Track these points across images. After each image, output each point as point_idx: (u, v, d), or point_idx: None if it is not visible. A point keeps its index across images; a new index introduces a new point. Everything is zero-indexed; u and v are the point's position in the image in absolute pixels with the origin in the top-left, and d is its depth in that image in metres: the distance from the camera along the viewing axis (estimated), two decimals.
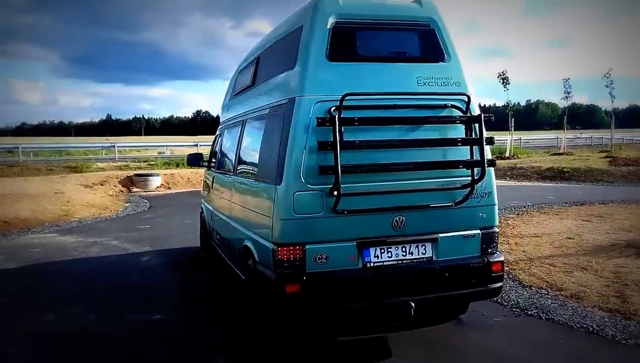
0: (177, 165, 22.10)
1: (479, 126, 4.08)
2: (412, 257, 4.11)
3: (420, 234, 4.12)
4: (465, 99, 4.16)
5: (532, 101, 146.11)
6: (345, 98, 3.79)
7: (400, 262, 4.07)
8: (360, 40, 4.25)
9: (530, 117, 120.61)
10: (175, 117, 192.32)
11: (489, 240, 4.33)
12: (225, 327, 4.92)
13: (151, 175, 17.52)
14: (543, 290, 5.82)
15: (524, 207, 11.83)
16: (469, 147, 4.15)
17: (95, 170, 21.15)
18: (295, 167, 3.82)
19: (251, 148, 5.09)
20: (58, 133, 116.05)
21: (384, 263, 4.03)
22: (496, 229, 4.40)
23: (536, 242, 8.10)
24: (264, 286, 4.12)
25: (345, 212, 3.86)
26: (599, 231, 8.65)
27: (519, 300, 5.54)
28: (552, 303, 5.42)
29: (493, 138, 4.18)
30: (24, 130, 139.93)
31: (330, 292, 3.91)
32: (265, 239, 4.12)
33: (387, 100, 4.04)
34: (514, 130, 29.54)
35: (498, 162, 23.19)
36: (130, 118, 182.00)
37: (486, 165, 4.09)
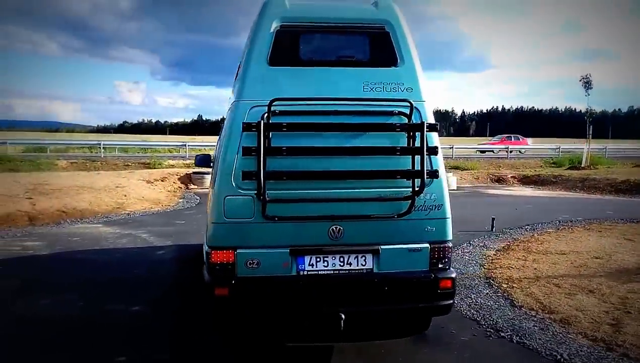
0: None
1: (420, 135, 3.86)
2: (350, 268, 3.96)
3: (359, 245, 3.96)
4: (407, 105, 3.92)
5: (634, 108, 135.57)
6: (273, 103, 3.72)
7: (337, 272, 3.94)
8: (305, 44, 4.14)
9: (633, 123, 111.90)
10: None
11: (439, 255, 4.07)
12: (190, 322, 5.04)
13: (207, 173, 18.11)
14: (532, 312, 5.43)
15: (571, 221, 11.08)
16: (411, 156, 3.92)
17: (165, 167, 22.29)
18: (227, 172, 3.80)
19: (216, 152, 5.18)
20: (154, 131, 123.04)
21: (319, 272, 3.91)
22: (449, 244, 4.13)
23: (557, 259, 7.56)
24: (204, 288, 4.18)
25: (276, 219, 3.79)
26: (635, 252, 7.93)
27: (499, 320, 5.21)
28: (533, 326, 5.05)
29: (437, 147, 3.95)
30: (124, 128, 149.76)
31: (260, 297, 3.87)
32: (205, 242, 4.17)
33: (329, 105, 3.89)
34: (593, 137, 27.62)
35: (569, 172, 22.07)
36: (219, 118, 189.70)
37: (426, 177, 3.85)
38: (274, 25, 4.03)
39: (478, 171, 24.49)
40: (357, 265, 3.98)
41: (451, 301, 4.20)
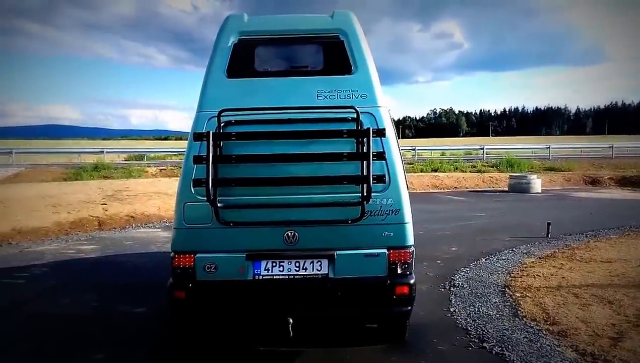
0: None
1: (366, 140, 3.83)
2: (305, 273, 4.03)
3: (314, 250, 4.03)
4: (354, 111, 3.94)
5: None
6: (223, 114, 3.93)
7: (293, 277, 4.03)
8: (261, 56, 4.32)
9: None
10: None
11: (397, 261, 4.04)
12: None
13: None
14: (532, 323, 5.17)
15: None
16: (360, 162, 3.91)
17: None
18: (186, 179, 4.01)
19: None
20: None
21: (274, 277, 4.02)
22: (409, 249, 4.08)
23: (595, 268, 7.07)
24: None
25: (231, 224, 3.95)
26: None
27: (491, 330, 5.02)
28: (524, 337, 4.82)
29: (383, 153, 3.92)
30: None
31: (216, 301, 4.06)
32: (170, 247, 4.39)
33: (282, 114, 4.03)
34: None
35: None
36: None
37: (372, 182, 3.78)
38: (232, 40, 4.26)
39: (572, 172, 22.96)
40: (313, 270, 4.04)
41: (409, 307, 4.16)
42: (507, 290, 6.25)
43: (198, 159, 3.86)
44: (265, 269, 4.04)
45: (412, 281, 4.09)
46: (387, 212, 4.01)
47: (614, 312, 5.34)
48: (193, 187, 3.94)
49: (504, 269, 7.35)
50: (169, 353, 4.71)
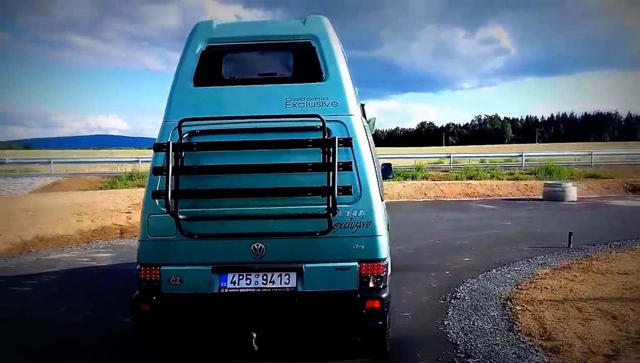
0: None
1: (332, 150, 3.68)
2: (273, 286, 3.92)
3: (282, 263, 3.93)
4: (319, 120, 3.82)
5: None
6: (183, 124, 3.86)
7: (260, 290, 3.92)
8: (229, 64, 4.24)
9: None
10: (400, 128, 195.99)
11: (369, 274, 3.90)
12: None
13: None
14: (526, 338, 4.91)
15: None
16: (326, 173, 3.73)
17: None
18: (149, 191, 3.94)
19: None
20: None
21: (240, 290, 3.93)
22: (381, 262, 3.93)
23: (609, 281, 6.70)
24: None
25: (196, 237, 3.89)
26: None
27: (480, 345, 4.78)
28: (513, 353, 4.57)
29: (350, 163, 3.75)
30: None
31: (181, 314, 4.00)
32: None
33: (248, 123, 3.94)
34: None
35: None
36: None
37: (337, 193, 3.62)
38: (200, 47, 4.18)
39: (613, 179, 21.99)
40: (281, 284, 3.93)
41: (381, 322, 4.01)
42: (509, 303, 5.97)
43: (158, 170, 3.81)
44: (231, 282, 3.96)
45: (384, 295, 3.94)
46: (358, 225, 3.88)
47: (616, 327, 5.01)
48: (153, 198, 3.87)
49: (512, 281, 7.05)
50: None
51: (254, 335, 3.88)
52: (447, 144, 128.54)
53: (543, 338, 4.88)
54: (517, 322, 5.34)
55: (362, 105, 4.89)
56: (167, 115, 4.11)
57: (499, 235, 11.02)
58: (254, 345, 3.88)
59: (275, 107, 4.02)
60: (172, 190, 3.72)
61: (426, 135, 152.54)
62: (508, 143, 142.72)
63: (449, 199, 19.03)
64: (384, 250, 3.96)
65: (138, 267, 4.05)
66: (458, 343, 4.89)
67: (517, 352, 4.60)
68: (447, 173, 25.67)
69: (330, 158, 3.70)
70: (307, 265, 3.91)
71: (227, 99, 4.11)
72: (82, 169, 27.51)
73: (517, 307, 5.79)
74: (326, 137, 3.80)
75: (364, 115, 4.87)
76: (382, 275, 3.94)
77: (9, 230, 11.06)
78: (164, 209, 3.77)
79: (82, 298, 6.74)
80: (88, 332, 5.47)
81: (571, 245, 9.25)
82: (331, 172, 3.65)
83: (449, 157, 28.65)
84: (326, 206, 3.68)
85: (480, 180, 23.11)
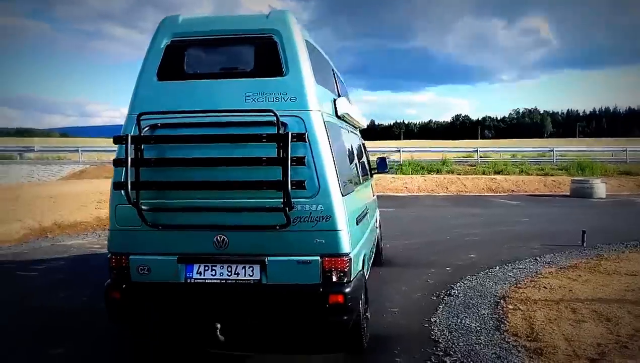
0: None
1: (284, 145, 3.68)
2: (237, 278, 3.94)
3: (245, 255, 3.95)
4: (272, 115, 3.74)
5: None
6: (142, 117, 3.89)
7: (224, 281, 3.95)
8: (191, 58, 4.22)
9: None
10: (433, 121, 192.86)
11: (332, 268, 3.88)
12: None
13: None
14: (511, 338, 4.78)
15: None
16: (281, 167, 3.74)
17: None
18: (120, 182, 3.94)
19: None
20: None
21: (206, 281, 3.97)
22: (344, 257, 3.90)
23: (613, 281, 6.48)
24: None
25: (160, 227, 3.95)
26: None
27: (462, 343, 4.68)
28: (493, 353, 4.45)
29: (304, 158, 3.72)
30: None
31: (149, 302, 4.06)
32: None
33: (208, 117, 3.94)
34: None
35: None
36: (391, 123, 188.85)
37: (291, 188, 3.63)
38: (165, 41, 4.18)
39: None
40: (245, 276, 3.95)
41: (344, 317, 3.96)
42: (502, 302, 5.83)
43: (118, 162, 3.88)
44: (197, 272, 4.00)
45: (347, 290, 3.89)
46: (317, 219, 3.84)
47: (608, 330, 4.84)
48: (115, 189, 3.95)
49: (513, 279, 6.88)
50: (124, 351, 4.77)
51: (218, 325, 3.91)
52: (482, 138, 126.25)
53: (529, 339, 4.75)
54: (505, 322, 5.21)
55: (334, 100, 4.82)
56: (131, 109, 4.14)
57: (512, 232, 10.78)
58: (219, 336, 3.91)
59: (234, 102, 3.98)
60: (131, 182, 3.78)
61: (461, 128, 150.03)
62: (547, 137, 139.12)
63: (471, 194, 18.71)
64: (346, 245, 3.91)
65: (109, 255, 4.13)
66: (440, 341, 4.80)
67: (497, 352, 4.49)
68: (474, 167, 25.24)
69: (284, 153, 3.69)
70: (269, 258, 3.90)
71: (189, 93, 4.10)
72: (110, 157, 28.07)
73: (509, 306, 5.65)
74: (281, 132, 3.75)
75: (336, 110, 4.79)
76: (345, 270, 3.89)
77: (30, 216, 11.44)
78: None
79: (83, 285, 6.88)
80: (77, 318, 5.58)
81: (585, 244, 8.97)
82: (283, 167, 3.67)
83: (476, 151, 28.07)
84: (282, 200, 3.70)
85: (508, 175, 22.64)
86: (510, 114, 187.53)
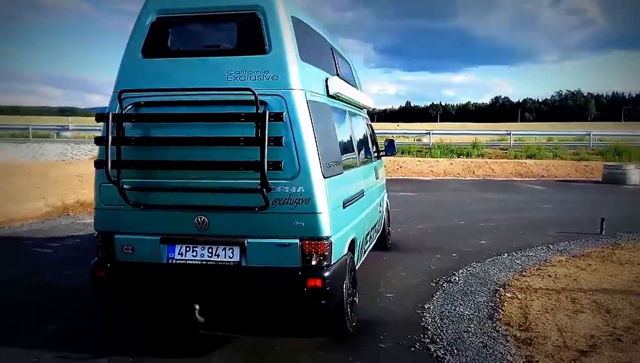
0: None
1: (261, 125, 3.61)
2: (217, 259, 3.95)
3: (224, 237, 3.95)
4: (250, 93, 3.66)
5: None
6: (122, 95, 3.88)
7: (205, 262, 3.97)
8: (176, 35, 4.19)
9: None
10: (472, 103, 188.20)
11: (311, 252, 3.85)
12: None
13: None
14: (503, 327, 4.67)
15: None
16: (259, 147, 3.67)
17: None
18: (101, 161, 3.96)
19: None
20: None
21: (187, 262, 3.99)
22: (324, 241, 3.86)
23: (622, 271, 6.29)
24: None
25: (142, 207, 3.97)
26: None
27: (450, 331, 4.59)
28: (480, 342, 4.35)
29: (281, 138, 3.66)
30: None
31: (133, 282, 4.12)
32: None
33: (189, 96, 3.91)
34: None
35: None
36: (428, 105, 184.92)
37: (267, 168, 3.59)
38: (150, 18, 4.15)
39: None
40: (225, 257, 3.95)
41: (322, 301, 3.94)
42: (501, 290, 5.70)
43: (99, 140, 3.89)
44: (179, 253, 4.02)
45: (326, 274, 3.87)
46: (297, 201, 3.80)
47: (604, 321, 4.68)
48: (96, 167, 3.95)
49: (519, 267, 6.71)
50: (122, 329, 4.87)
51: (197, 307, 3.93)
52: (522, 121, 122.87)
53: (521, 328, 4.63)
54: (500, 310, 5.10)
55: (326, 80, 4.72)
56: (116, 86, 4.13)
57: (531, 219, 10.53)
58: (198, 317, 3.94)
59: (216, 80, 3.92)
60: (112, 160, 3.78)
61: (500, 110, 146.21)
62: (591, 120, 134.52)
63: (498, 179, 18.33)
64: (326, 228, 3.85)
65: (95, 234, 4.19)
66: (429, 328, 4.72)
67: (484, 341, 4.39)
68: (506, 151, 24.68)
69: (261, 133, 3.63)
70: (249, 240, 3.89)
71: (171, 70, 4.07)
72: None
73: (507, 294, 5.52)
74: (259, 111, 3.69)
75: (327, 90, 4.70)
76: (325, 254, 3.86)
77: (55, 194, 11.79)
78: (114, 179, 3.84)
79: (86, 264, 7.01)
80: (79, 296, 5.70)
81: (603, 232, 8.68)
82: (260, 147, 3.61)
83: (509, 134, 27.38)
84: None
85: (541, 159, 22.05)
86: (552, 96, 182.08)
